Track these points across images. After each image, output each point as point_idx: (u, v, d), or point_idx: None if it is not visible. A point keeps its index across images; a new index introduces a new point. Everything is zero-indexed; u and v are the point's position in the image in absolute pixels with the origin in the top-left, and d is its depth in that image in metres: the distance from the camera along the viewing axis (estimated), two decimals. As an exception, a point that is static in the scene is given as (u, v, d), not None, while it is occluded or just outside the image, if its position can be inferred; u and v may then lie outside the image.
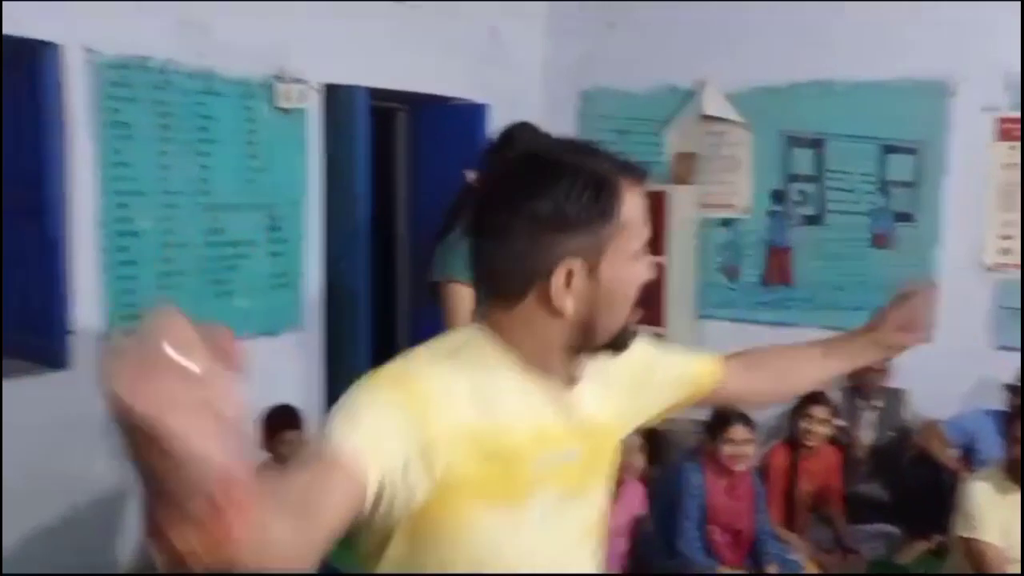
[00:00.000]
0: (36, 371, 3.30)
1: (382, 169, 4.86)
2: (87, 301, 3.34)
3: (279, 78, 3.87)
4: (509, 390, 1.09)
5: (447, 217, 2.75)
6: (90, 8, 3.19)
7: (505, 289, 1.09)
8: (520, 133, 2.58)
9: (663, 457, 3.92)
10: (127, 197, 3.40)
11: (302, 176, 4.06)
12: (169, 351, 0.66)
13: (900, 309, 1.52)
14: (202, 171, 3.65)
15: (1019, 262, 4.23)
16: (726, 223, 4.99)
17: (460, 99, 4.83)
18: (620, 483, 3.30)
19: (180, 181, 3.56)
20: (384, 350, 4.79)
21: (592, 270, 1.07)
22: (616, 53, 5.22)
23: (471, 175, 2.77)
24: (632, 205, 1.10)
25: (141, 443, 0.66)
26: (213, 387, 0.67)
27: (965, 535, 3.04)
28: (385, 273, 4.99)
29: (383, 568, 1.09)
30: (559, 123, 4.82)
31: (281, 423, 3.45)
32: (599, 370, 1.19)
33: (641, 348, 1.27)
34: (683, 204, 4.89)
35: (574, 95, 5.36)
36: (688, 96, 5.04)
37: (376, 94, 4.31)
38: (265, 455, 3.42)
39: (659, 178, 5.04)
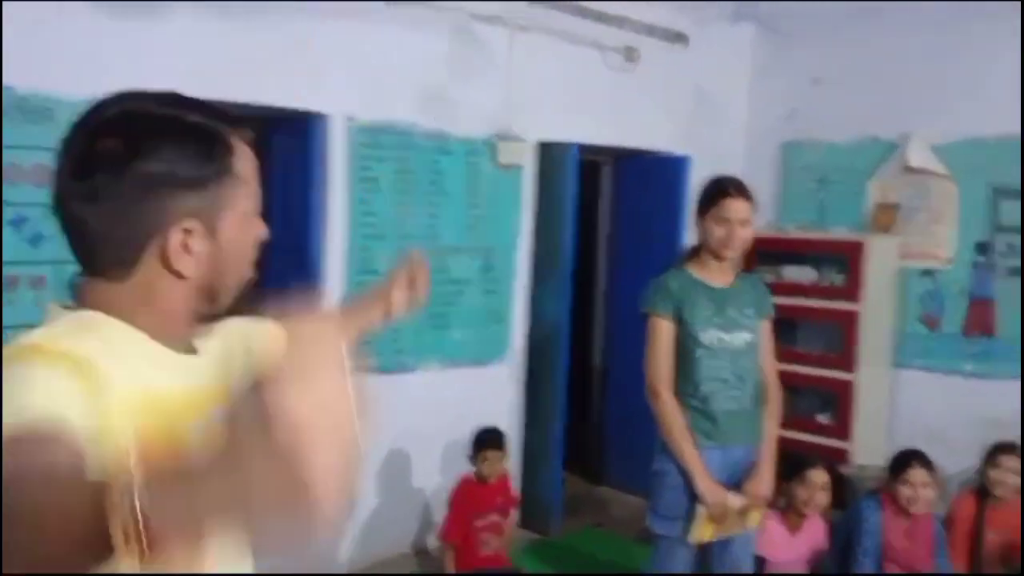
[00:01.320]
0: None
1: (586, 215, 5.29)
2: (335, 326, 3.97)
3: (500, 137, 4.42)
4: (146, 358, 1.03)
5: (677, 262, 3.02)
6: (353, 83, 3.86)
7: (114, 260, 1.02)
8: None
9: (845, 499, 4.02)
10: (371, 240, 4.03)
11: (516, 223, 4.58)
12: None
13: (397, 274, 1.68)
14: (431, 219, 4.24)
15: None
16: (928, 273, 5.00)
17: (663, 152, 5.20)
18: (803, 517, 3.48)
19: (414, 227, 4.17)
20: (578, 379, 5.20)
21: (211, 230, 1.03)
22: (820, 107, 5.39)
23: None
24: (244, 160, 1.07)
25: None
26: None
27: None
28: (583, 309, 5.39)
29: None
30: (760, 173, 5.08)
31: (486, 443, 3.89)
32: (212, 334, 1.18)
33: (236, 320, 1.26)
34: (883, 254, 4.96)
35: (776, 147, 5.57)
36: (891, 148, 5.11)
37: (584, 148, 4.76)
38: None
39: (859, 228, 5.15)
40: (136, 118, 1.01)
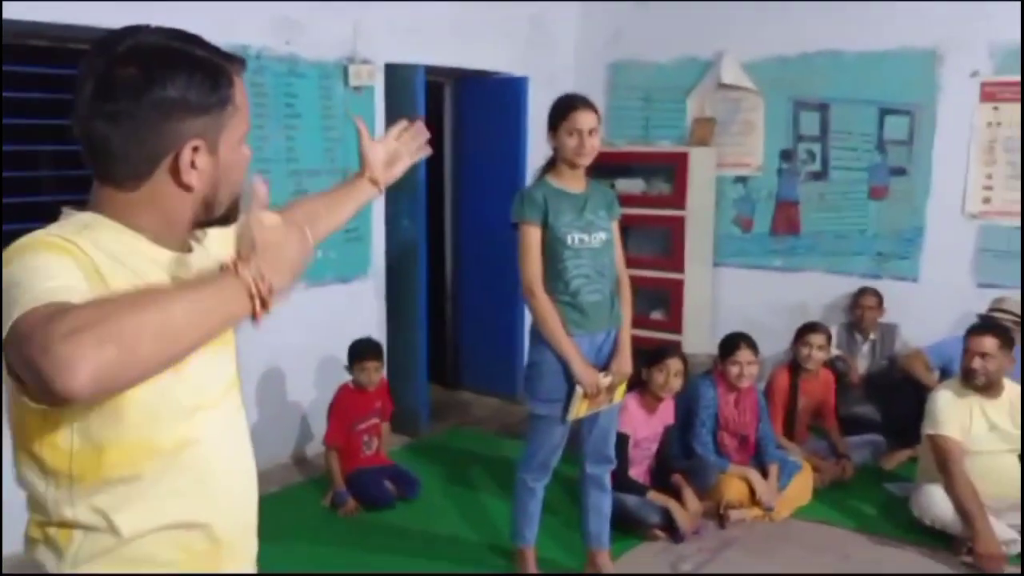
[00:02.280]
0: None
1: (431, 136, 5.46)
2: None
3: (351, 60, 4.52)
4: (145, 257, 1.20)
5: (536, 175, 3.27)
6: (201, 8, 3.84)
7: (129, 173, 1.19)
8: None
9: (685, 379, 4.54)
10: (231, 165, 4.06)
11: (370, 145, 4.70)
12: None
13: (365, 150, 1.80)
14: (289, 142, 4.31)
15: (1000, 210, 4.80)
16: (741, 180, 5.58)
17: (502, 73, 5.45)
18: (660, 400, 3.91)
19: (272, 151, 4.23)
20: (435, 292, 5.46)
21: (212, 149, 1.21)
22: (643, 29, 5.79)
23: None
24: (241, 92, 1.25)
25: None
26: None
27: (931, 432, 3.67)
28: (433, 225, 5.61)
29: (63, 438, 1.15)
30: (590, 92, 5.34)
31: (364, 353, 4.11)
32: (204, 243, 1.35)
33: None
34: (702, 164, 5.48)
35: (604, 67, 5.95)
36: (707, 66, 5.60)
37: (428, 70, 4.93)
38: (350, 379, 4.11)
39: (681, 141, 5.64)
40: (151, 50, 1.18)
